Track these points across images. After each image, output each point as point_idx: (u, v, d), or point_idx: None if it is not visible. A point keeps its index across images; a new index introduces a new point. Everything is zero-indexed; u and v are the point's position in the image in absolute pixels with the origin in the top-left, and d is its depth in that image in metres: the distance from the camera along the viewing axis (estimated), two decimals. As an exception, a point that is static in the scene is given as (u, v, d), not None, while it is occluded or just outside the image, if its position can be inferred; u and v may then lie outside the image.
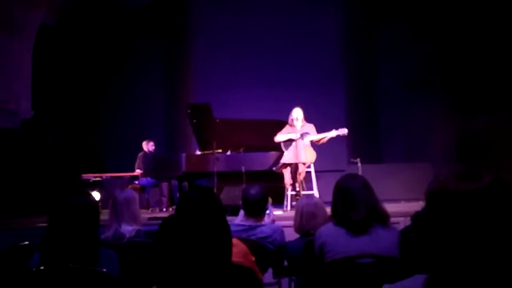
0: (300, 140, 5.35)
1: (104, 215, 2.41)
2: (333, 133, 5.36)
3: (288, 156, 5.37)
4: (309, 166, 5.50)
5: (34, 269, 1.76)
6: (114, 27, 8.40)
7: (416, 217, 2.72)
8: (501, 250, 0.84)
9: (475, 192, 0.87)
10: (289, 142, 5.54)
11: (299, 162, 5.27)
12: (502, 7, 6.61)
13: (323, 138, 5.42)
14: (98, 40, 8.39)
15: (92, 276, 1.75)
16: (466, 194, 0.88)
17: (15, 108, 6.85)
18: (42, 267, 1.75)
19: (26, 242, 2.48)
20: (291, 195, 5.52)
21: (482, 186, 0.87)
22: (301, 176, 5.33)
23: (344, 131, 5.36)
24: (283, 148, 5.62)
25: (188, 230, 1.15)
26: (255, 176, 5.47)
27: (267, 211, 2.86)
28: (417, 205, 3.82)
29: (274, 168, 5.56)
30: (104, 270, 1.76)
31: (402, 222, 3.93)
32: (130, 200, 2.54)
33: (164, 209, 6.71)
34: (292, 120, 5.52)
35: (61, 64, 7.77)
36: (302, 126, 5.52)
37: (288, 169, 5.43)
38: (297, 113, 5.49)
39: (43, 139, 7.07)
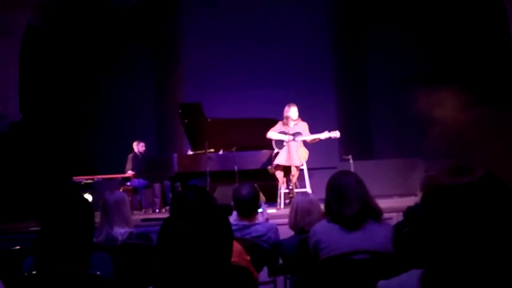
0: (293, 142, 5.35)
1: (96, 217, 2.39)
2: (325, 135, 5.37)
3: (281, 158, 5.38)
4: (301, 164, 5.51)
5: (26, 274, 1.74)
6: (102, 28, 8.32)
7: (408, 212, 2.74)
8: (495, 244, 0.85)
9: (468, 186, 0.88)
10: (280, 141, 5.54)
11: (292, 165, 5.29)
12: (489, 6, 6.69)
13: (315, 138, 5.44)
14: (86, 41, 8.31)
15: (85, 279, 1.73)
16: (458, 188, 0.88)
17: (3, 111, 6.75)
18: (34, 272, 1.72)
19: (18, 247, 2.45)
20: (284, 193, 5.53)
21: (475, 180, 0.88)
22: (294, 178, 5.35)
23: (336, 134, 5.37)
24: (274, 146, 5.62)
25: (187, 231, 1.14)
26: (248, 175, 5.46)
27: (261, 210, 2.86)
28: (410, 200, 3.85)
29: (269, 167, 5.57)
30: (98, 273, 1.74)
31: (395, 218, 3.96)
32: (121, 202, 2.51)
33: (157, 210, 6.68)
34: (286, 118, 5.52)
35: (48, 65, 7.67)
36: (295, 125, 5.53)
37: (282, 169, 5.44)
38: (291, 112, 5.49)
39: (32, 142, 6.99)
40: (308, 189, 5.43)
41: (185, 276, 1.09)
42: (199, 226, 1.11)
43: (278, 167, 5.43)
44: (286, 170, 5.43)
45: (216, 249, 1.11)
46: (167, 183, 6.48)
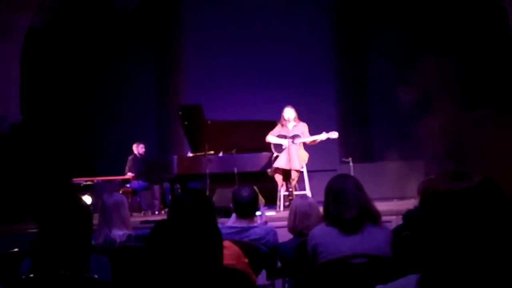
0: (292, 145, 5.34)
1: (95, 219, 2.39)
2: (324, 136, 5.36)
3: (281, 161, 5.36)
4: (301, 167, 5.50)
5: (23, 277, 1.73)
6: (103, 29, 8.33)
7: (407, 215, 2.73)
8: (493, 249, 0.84)
9: (466, 192, 0.87)
10: (279, 145, 5.53)
11: (292, 169, 5.27)
12: (489, 8, 6.69)
13: (314, 140, 5.42)
14: (87, 42, 8.32)
15: (83, 282, 1.72)
16: (457, 194, 0.88)
17: (4, 112, 6.76)
18: (31, 275, 1.72)
19: (16, 249, 2.44)
20: (284, 195, 5.52)
21: (473, 185, 0.88)
22: (294, 181, 5.33)
23: (334, 134, 5.36)
24: (273, 150, 5.61)
25: (179, 234, 1.14)
26: (247, 177, 5.45)
27: (259, 213, 2.85)
28: (409, 203, 3.84)
29: (268, 170, 5.56)
30: (96, 276, 1.73)
31: (394, 221, 3.95)
32: (119, 204, 2.50)
33: (157, 212, 6.67)
34: (284, 120, 5.51)
35: (49, 67, 7.69)
36: (294, 126, 5.52)
37: (281, 172, 5.42)
38: (288, 113, 5.48)
39: (32, 144, 6.99)
40: (307, 191, 5.41)
41: (177, 278, 1.08)
42: (189, 228, 1.11)
43: (277, 170, 5.41)
44: (286, 173, 5.41)
45: (206, 251, 1.11)
46: (166, 185, 6.47)
